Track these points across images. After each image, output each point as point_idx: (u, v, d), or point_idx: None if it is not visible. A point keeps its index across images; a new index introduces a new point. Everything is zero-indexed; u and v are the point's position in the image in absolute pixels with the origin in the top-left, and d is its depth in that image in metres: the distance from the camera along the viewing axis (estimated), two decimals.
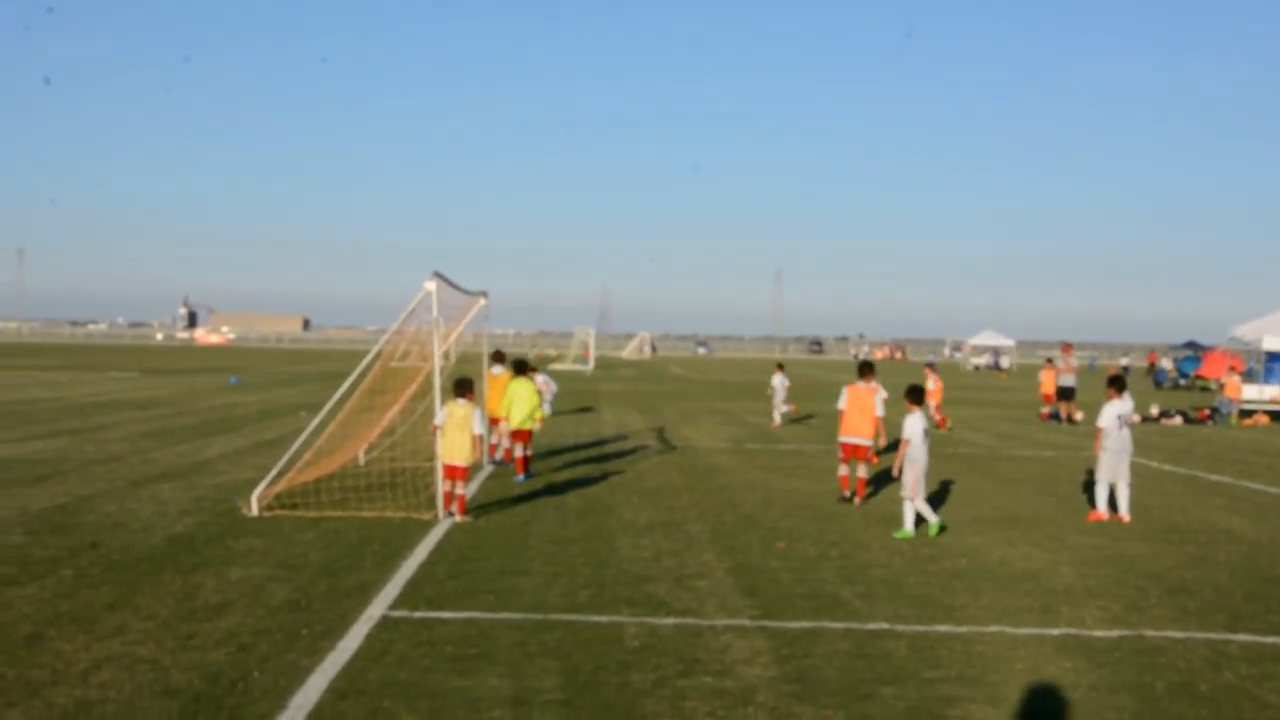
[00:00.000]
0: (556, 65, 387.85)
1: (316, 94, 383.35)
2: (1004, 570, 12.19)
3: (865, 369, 16.88)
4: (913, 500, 14.06)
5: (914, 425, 14.25)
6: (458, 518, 14.42)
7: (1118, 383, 15.95)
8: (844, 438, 16.71)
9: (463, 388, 14.85)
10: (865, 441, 16.59)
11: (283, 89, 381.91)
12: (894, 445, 16.25)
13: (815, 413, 34.46)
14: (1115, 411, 15.76)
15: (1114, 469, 15.66)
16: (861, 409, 16.49)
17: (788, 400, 31.19)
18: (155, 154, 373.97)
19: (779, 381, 30.97)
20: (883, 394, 16.66)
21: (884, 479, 17.93)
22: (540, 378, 26.24)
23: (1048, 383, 35.33)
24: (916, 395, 14.73)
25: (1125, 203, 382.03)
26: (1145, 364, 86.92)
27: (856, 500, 16.57)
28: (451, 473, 14.55)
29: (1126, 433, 15.76)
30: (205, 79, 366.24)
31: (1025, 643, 9.32)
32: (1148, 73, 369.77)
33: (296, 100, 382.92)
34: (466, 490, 14.87)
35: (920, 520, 14.27)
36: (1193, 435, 31.44)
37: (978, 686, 8.13)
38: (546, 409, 29.70)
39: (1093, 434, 16.22)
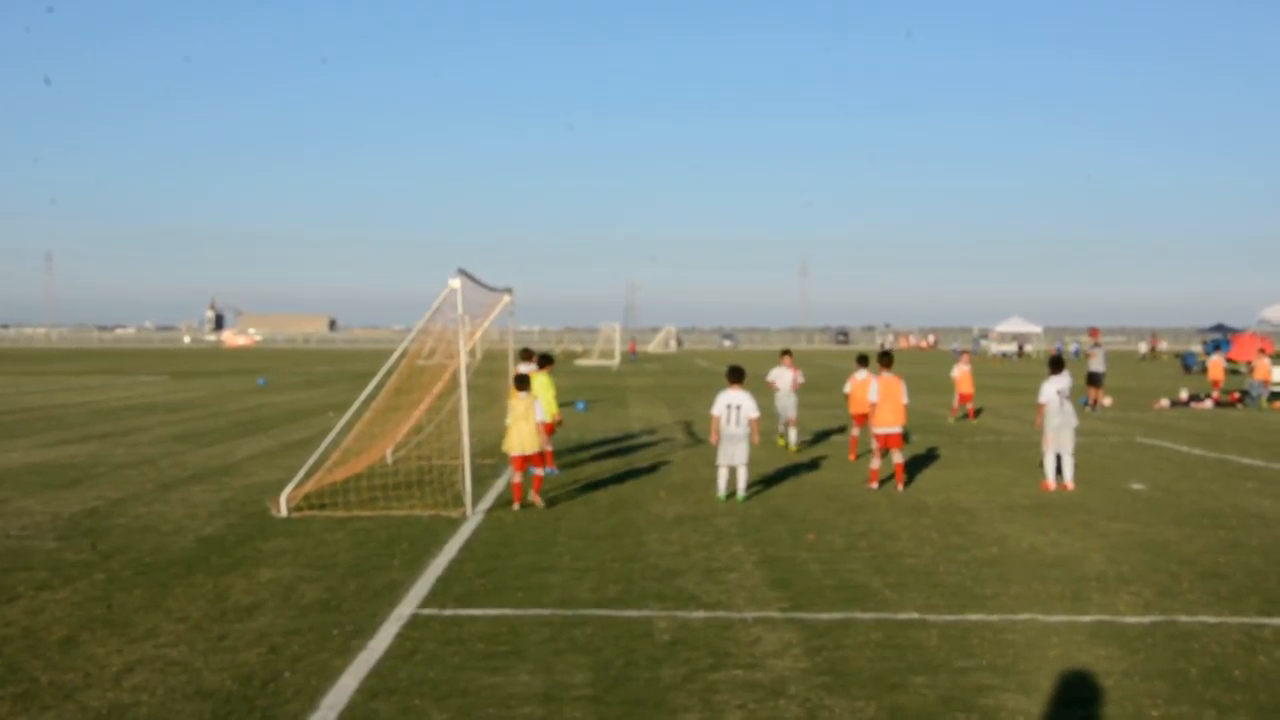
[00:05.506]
0: (575, 54, 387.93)
1: (337, 95, 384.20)
2: (1034, 557, 12.14)
3: (887, 359, 17.39)
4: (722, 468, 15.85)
5: (719, 403, 15.87)
6: (535, 501, 15.19)
7: (1056, 363, 17.50)
8: (880, 429, 16.96)
9: (522, 382, 15.60)
10: (899, 430, 16.96)
11: (303, 91, 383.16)
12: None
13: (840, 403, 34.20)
14: (1054, 388, 17.10)
15: (1057, 440, 17.04)
16: (893, 398, 16.81)
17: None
18: (179, 157, 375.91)
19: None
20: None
21: (913, 465, 17.82)
22: (787, 374, 22.13)
23: (1214, 369, 38.67)
24: (736, 375, 16.10)
25: (1151, 186, 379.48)
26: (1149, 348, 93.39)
27: (899, 487, 16.73)
28: (521, 463, 15.18)
29: (1068, 406, 17.09)
30: (231, 84, 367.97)
31: (1057, 630, 9.27)
32: (1168, 48, 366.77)
33: (316, 102, 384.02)
34: (536, 473, 15.48)
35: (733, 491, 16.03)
36: (1223, 419, 31.21)
37: (1010, 675, 8.09)
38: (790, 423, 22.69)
39: (1042, 413, 17.31)
